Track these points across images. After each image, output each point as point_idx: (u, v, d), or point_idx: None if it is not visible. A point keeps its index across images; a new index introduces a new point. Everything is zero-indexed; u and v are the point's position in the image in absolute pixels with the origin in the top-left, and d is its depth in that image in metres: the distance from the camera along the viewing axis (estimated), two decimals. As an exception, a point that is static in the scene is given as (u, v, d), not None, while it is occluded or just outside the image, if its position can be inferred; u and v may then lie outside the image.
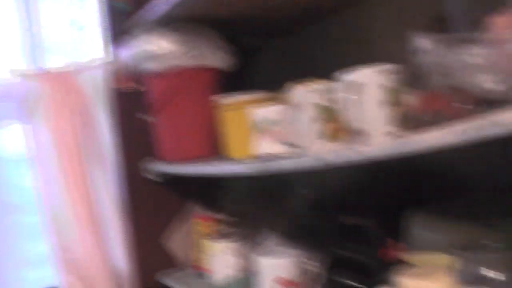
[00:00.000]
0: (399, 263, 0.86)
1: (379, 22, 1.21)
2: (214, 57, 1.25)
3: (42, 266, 1.78)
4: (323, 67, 1.35)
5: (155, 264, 1.44)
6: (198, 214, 1.40)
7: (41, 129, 1.74)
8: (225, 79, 1.32)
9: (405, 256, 0.90)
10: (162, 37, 1.22)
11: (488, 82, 0.63)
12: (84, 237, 1.74)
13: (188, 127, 1.26)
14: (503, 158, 0.95)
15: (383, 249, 0.93)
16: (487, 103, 0.65)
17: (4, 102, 1.71)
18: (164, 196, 1.47)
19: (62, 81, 1.75)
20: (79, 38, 1.97)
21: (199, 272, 1.29)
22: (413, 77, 0.78)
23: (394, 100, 0.73)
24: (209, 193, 1.51)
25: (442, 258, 0.78)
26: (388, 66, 0.75)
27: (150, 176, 1.41)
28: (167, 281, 1.35)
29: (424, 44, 0.72)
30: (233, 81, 1.33)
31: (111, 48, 1.40)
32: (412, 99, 0.76)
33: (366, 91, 0.74)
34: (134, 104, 1.39)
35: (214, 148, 1.28)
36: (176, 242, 1.46)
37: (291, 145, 0.83)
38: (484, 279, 0.66)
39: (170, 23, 1.24)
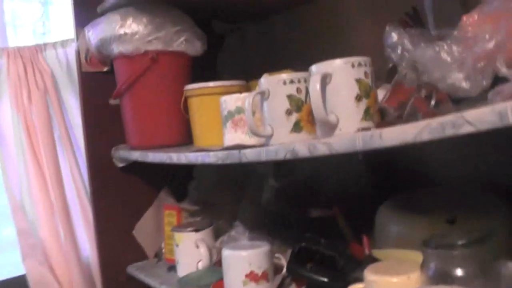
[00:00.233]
0: (368, 258, 0.86)
1: (354, 13, 1.20)
2: (183, 41, 1.22)
3: (8, 252, 1.74)
4: (294, 56, 1.35)
5: (126, 256, 1.40)
6: (170, 205, 1.37)
7: (5, 107, 1.68)
8: (194, 65, 1.29)
9: (374, 251, 0.90)
10: (130, 18, 1.18)
11: (455, 79, 0.63)
12: (50, 222, 1.70)
13: (155, 113, 1.23)
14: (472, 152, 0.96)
15: (353, 244, 0.93)
16: (454, 99, 0.65)
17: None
18: (136, 186, 1.42)
19: (26, 58, 1.69)
20: (46, 15, 1.90)
21: (171, 264, 1.26)
22: (384, 71, 0.77)
23: (364, 92, 0.72)
24: (180, 182, 1.48)
25: (410, 254, 0.78)
26: (359, 58, 0.73)
27: (119, 164, 1.37)
28: (137, 273, 1.33)
29: (396, 38, 0.71)
30: (202, 67, 1.30)
31: (79, 28, 1.34)
32: (381, 92, 0.75)
33: (336, 82, 0.72)
34: (104, 88, 1.33)
35: (182, 136, 1.25)
36: (147, 233, 1.43)
37: (259, 134, 0.82)
38: (450, 276, 0.66)
39: (139, 4, 1.20)
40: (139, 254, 1.42)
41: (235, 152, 0.86)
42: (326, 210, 1.07)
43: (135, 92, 1.23)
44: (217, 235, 1.22)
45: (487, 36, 0.60)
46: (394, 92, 0.71)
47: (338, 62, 0.74)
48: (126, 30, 1.18)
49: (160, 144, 1.24)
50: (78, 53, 1.35)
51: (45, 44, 1.74)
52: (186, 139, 1.24)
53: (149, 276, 1.28)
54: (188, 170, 1.48)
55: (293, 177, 1.27)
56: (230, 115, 0.93)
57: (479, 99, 0.62)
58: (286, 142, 0.78)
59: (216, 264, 1.15)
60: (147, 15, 1.19)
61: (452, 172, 1.01)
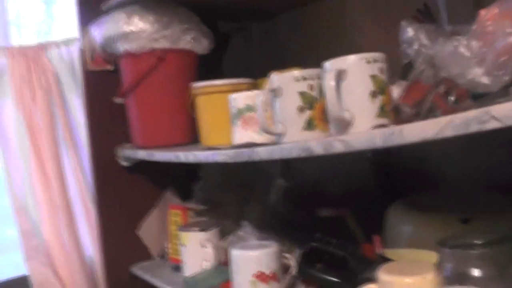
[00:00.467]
0: (380, 258, 0.85)
1: (359, 13, 1.19)
2: (190, 39, 1.21)
3: (11, 252, 1.72)
4: (299, 56, 1.34)
5: (130, 256, 1.38)
6: (175, 205, 1.36)
7: (8, 107, 1.67)
8: (201, 63, 1.28)
9: (386, 251, 0.88)
10: (136, 16, 1.17)
11: (475, 75, 0.62)
12: (53, 222, 1.68)
13: (161, 112, 1.22)
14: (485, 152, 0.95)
15: (364, 244, 0.92)
16: (474, 96, 0.64)
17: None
18: (140, 186, 1.40)
19: (30, 58, 1.68)
20: (50, 14, 1.89)
21: (176, 264, 1.25)
22: (399, 67, 0.76)
23: (379, 89, 0.71)
24: (186, 182, 1.47)
25: (423, 254, 0.77)
26: (374, 55, 0.72)
27: (124, 163, 1.35)
28: (141, 273, 1.31)
29: (412, 33, 0.70)
30: (208, 67, 1.29)
31: (84, 26, 1.33)
32: (397, 89, 0.73)
33: (350, 78, 0.71)
34: (108, 87, 1.32)
35: (188, 135, 1.24)
36: (152, 233, 1.41)
37: (271, 132, 0.80)
38: (467, 276, 0.65)
39: (145, 2, 1.19)
40: (143, 254, 1.41)
41: (246, 150, 0.85)
42: (335, 210, 1.06)
43: (141, 90, 1.22)
44: (223, 235, 1.21)
45: (507, 31, 0.59)
46: (410, 89, 0.69)
47: (352, 58, 0.72)
48: (132, 28, 1.17)
49: (166, 143, 1.23)
50: (82, 52, 1.34)
51: (48, 43, 1.73)
52: (192, 139, 1.23)
53: (154, 276, 1.27)
54: (193, 170, 1.46)
55: (302, 177, 1.26)
56: (240, 113, 0.92)
57: (498, 95, 0.61)
58: (299, 140, 0.77)
59: (222, 264, 1.14)
60: (154, 13, 1.18)
61: (459, 172, 1.00)
